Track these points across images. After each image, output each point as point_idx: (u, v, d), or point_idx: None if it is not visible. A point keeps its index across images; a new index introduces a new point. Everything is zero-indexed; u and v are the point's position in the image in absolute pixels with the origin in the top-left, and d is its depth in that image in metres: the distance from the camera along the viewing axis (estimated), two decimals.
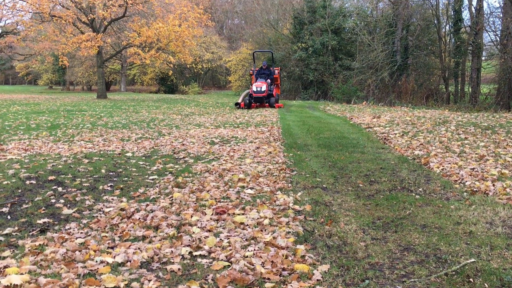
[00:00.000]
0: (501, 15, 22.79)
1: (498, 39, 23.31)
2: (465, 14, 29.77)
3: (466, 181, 5.69)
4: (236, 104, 20.62)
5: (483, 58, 25.20)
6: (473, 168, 6.42)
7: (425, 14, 27.38)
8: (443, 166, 6.63)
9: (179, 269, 3.08)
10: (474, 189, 5.30)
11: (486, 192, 5.20)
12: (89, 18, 26.62)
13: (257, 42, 40.38)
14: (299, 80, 33.47)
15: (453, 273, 3.05)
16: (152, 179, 5.77)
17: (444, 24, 27.40)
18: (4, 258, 3.21)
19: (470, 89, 23.65)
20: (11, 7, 26.93)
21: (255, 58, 24.22)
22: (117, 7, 26.31)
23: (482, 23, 22.72)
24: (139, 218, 4.13)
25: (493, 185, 5.44)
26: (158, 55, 28.24)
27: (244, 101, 19.86)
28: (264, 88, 19.49)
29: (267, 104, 20.03)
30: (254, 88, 19.67)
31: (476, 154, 7.55)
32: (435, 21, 26.17)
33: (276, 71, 21.34)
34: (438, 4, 26.16)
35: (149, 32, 25.72)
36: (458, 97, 24.66)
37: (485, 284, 2.89)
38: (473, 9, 23.64)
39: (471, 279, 2.96)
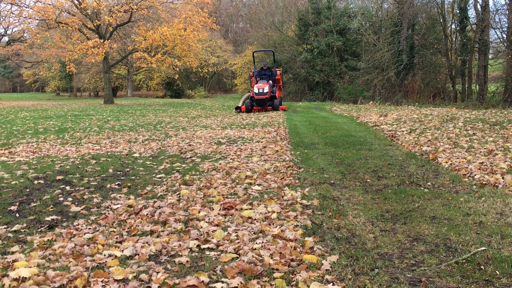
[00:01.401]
0: (507, 12, 22.67)
1: (505, 36, 23.18)
2: (471, 12, 29.59)
3: (475, 175, 5.64)
4: (237, 108, 19.40)
5: (489, 55, 25.05)
6: (482, 162, 6.36)
7: (430, 12, 27.29)
8: (451, 161, 6.58)
9: (187, 261, 3.08)
10: (484, 182, 5.26)
11: (496, 184, 5.15)
12: (95, 24, 26.80)
13: (262, 44, 40.46)
14: (305, 81, 33.47)
15: (464, 261, 3.02)
16: (160, 178, 5.78)
17: (450, 22, 27.30)
18: (13, 253, 3.22)
19: (477, 87, 23.52)
20: (18, 14, 27.18)
21: (255, 59, 23.11)
22: (123, 13, 26.48)
23: (488, 21, 22.61)
24: (147, 214, 4.13)
25: (503, 178, 5.38)
26: (164, 59, 28.35)
27: (246, 105, 18.64)
28: (266, 89, 18.01)
29: (270, 107, 18.67)
30: (255, 90, 18.15)
31: (484, 148, 7.49)
32: (441, 20, 26.07)
33: (278, 72, 20.07)
34: (443, 2, 26.07)
35: (155, 35, 25.83)
36: (465, 95, 24.51)
37: (497, 271, 2.86)
38: (478, 7, 23.54)
39: (482, 267, 2.92)
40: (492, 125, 10.75)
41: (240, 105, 19.86)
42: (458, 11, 24.94)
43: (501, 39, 24.60)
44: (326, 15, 31.68)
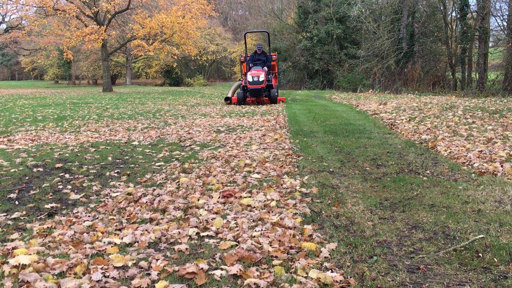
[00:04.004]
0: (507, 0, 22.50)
1: (505, 23, 23.05)
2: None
3: (474, 163, 5.65)
4: (227, 99, 17.03)
5: (490, 43, 24.93)
6: (481, 151, 6.37)
7: (430, 0, 27.09)
8: (450, 149, 6.58)
9: (186, 248, 3.09)
10: (482, 170, 5.26)
11: (495, 173, 5.16)
12: (93, 11, 26.60)
13: (263, 33, 40.23)
14: (305, 69, 33.35)
15: (462, 248, 3.03)
16: (159, 166, 5.78)
17: (450, 9, 27.10)
18: (12, 240, 3.23)
19: (477, 75, 23.43)
20: (15, 1, 26.94)
21: (246, 42, 20.36)
22: (121, 0, 26.26)
23: (488, 8, 22.45)
24: (146, 202, 4.14)
25: (502, 166, 5.39)
26: (162, 47, 28.18)
27: (237, 95, 16.02)
28: (262, 77, 15.37)
29: (267, 98, 16.23)
30: (249, 78, 15.49)
31: (484, 137, 7.49)
32: (441, 7, 25.87)
33: (274, 56, 17.49)
34: None
35: (152, 23, 25.66)
36: (465, 83, 24.44)
37: (495, 259, 2.87)
38: None
39: (480, 254, 2.94)
40: (491, 113, 10.74)
41: (230, 95, 17.61)
42: None
43: (502, 27, 24.48)
44: (326, 2, 31.45)
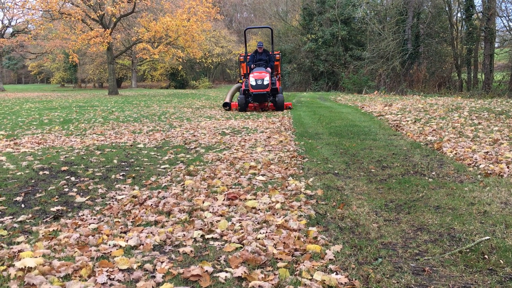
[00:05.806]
0: None
1: (511, 24, 22.93)
2: (477, 0, 29.32)
3: (480, 164, 5.62)
4: (225, 105, 15.18)
5: (496, 44, 24.82)
6: (487, 152, 6.34)
7: (436, 1, 27.04)
8: (456, 151, 6.56)
9: (191, 251, 3.09)
10: (488, 172, 5.24)
11: (501, 174, 5.13)
12: (98, 15, 26.75)
13: (267, 34, 40.32)
14: (310, 71, 33.35)
15: (468, 250, 3.02)
16: (164, 168, 5.80)
17: (456, 10, 27.03)
18: (18, 243, 3.25)
19: (483, 76, 23.34)
20: (21, 5, 27.15)
21: (247, 40, 17.79)
22: (126, 3, 26.40)
23: (494, 8, 22.36)
24: (151, 205, 4.15)
25: (508, 167, 5.36)
26: (167, 50, 28.29)
27: (238, 101, 14.11)
28: (266, 80, 13.45)
29: (272, 103, 14.34)
30: (252, 82, 13.53)
31: (490, 138, 7.46)
32: (446, 8, 25.81)
33: (277, 56, 15.48)
34: None
35: (157, 26, 25.77)
36: (471, 84, 24.34)
37: (500, 260, 2.85)
38: None
39: (486, 256, 2.92)
40: (497, 114, 10.69)
41: (228, 100, 15.55)
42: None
43: (507, 27, 24.37)
44: (330, 4, 31.47)
